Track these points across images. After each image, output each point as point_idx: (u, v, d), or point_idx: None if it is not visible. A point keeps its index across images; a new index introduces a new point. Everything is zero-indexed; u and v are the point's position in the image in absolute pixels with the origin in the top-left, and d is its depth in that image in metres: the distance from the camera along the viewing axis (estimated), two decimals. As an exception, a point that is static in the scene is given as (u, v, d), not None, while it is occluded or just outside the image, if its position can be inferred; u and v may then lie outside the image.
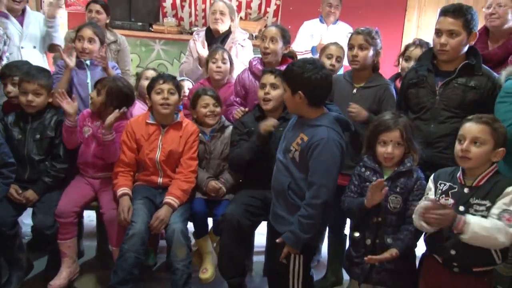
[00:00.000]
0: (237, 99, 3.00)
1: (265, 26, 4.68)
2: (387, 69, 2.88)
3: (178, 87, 2.68)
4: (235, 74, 3.19)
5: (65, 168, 2.70)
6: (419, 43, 2.95)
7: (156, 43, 5.22)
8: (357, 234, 2.21)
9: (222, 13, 3.48)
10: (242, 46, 3.58)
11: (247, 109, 2.85)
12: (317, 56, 3.57)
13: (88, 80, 3.00)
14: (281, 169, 2.21)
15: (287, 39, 2.98)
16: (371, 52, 2.59)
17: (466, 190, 1.92)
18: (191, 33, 4.88)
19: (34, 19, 3.50)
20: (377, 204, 2.07)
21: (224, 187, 2.69)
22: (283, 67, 2.87)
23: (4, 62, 3.03)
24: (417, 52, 2.87)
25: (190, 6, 5.50)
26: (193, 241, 2.65)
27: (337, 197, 2.19)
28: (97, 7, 3.48)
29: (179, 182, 2.61)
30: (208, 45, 3.42)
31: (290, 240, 2.11)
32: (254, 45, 3.87)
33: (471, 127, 1.93)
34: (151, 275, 2.92)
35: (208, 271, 2.67)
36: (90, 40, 2.98)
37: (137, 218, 2.47)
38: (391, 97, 2.60)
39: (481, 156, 1.90)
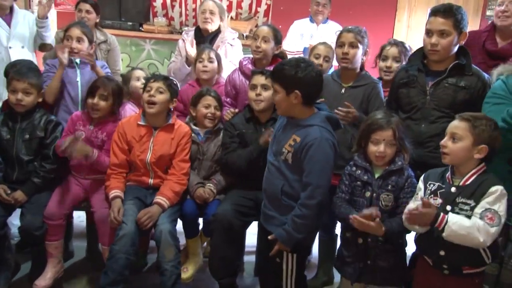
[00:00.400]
0: (228, 99, 2.99)
1: (256, 26, 4.68)
2: (372, 72, 2.89)
3: (170, 87, 2.65)
4: (224, 74, 3.18)
5: (55, 169, 2.67)
6: (394, 42, 2.99)
7: (146, 42, 5.20)
8: (348, 234, 2.21)
9: (212, 13, 3.47)
10: (231, 45, 3.56)
11: (237, 110, 2.84)
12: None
13: (78, 79, 2.96)
14: (273, 172, 2.19)
15: (278, 39, 2.98)
16: (360, 51, 2.60)
17: (453, 189, 1.93)
18: (182, 33, 4.87)
19: (22, 18, 3.46)
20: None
21: (216, 189, 2.68)
22: (273, 67, 2.88)
23: None
24: (393, 50, 2.91)
25: (180, 6, 5.48)
26: (182, 241, 2.63)
27: (329, 197, 2.19)
28: (87, 6, 3.44)
29: (171, 183, 2.60)
30: (197, 45, 3.41)
31: (283, 238, 2.11)
32: (245, 45, 3.86)
33: (452, 124, 1.97)
34: (141, 276, 2.90)
35: (188, 271, 2.65)
36: (79, 40, 2.94)
37: (127, 219, 2.45)
38: (379, 96, 2.61)
39: (458, 151, 1.92)
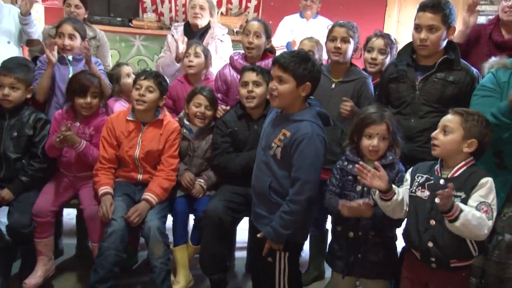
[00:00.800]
0: (218, 95, 2.98)
1: (246, 21, 4.66)
2: (357, 63, 2.89)
3: (160, 85, 2.63)
4: (214, 70, 3.16)
5: (44, 168, 2.65)
6: (380, 34, 2.97)
7: (136, 38, 5.15)
8: (339, 228, 2.22)
9: (202, 8, 3.44)
10: (221, 41, 3.54)
11: (228, 107, 2.82)
12: None
13: (70, 76, 2.93)
14: (261, 168, 2.17)
15: (269, 34, 2.98)
16: (352, 46, 2.60)
17: (441, 181, 1.94)
18: (171, 28, 4.84)
19: (8, 13, 3.40)
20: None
21: (206, 185, 2.67)
22: (264, 62, 2.87)
23: None
24: (379, 42, 2.90)
25: (170, 1, 5.44)
26: (170, 238, 2.62)
27: (319, 192, 2.18)
28: (76, 1, 3.38)
29: (160, 179, 2.59)
30: (188, 41, 3.38)
31: (271, 235, 2.09)
32: (235, 41, 3.85)
33: (445, 117, 1.99)
34: (132, 273, 2.89)
35: (179, 283, 2.60)
36: (71, 37, 2.89)
37: (116, 216, 2.44)
38: (369, 91, 2.61)
39: (447, 144, 1.93)
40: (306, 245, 2.93)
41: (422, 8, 2.35)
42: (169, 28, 5.06)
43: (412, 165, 2.12)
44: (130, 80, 2.97)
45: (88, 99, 2.63)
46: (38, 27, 3.49)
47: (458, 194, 1.89)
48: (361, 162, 2.03)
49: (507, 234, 2.08)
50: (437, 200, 1.77)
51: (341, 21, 2.66)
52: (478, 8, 3.09)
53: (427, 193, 1.95)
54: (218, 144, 2.64)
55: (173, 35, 3.56)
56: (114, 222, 2.42)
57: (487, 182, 1.87)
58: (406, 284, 2.11)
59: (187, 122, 2.76)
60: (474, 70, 2.40)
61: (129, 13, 5.22)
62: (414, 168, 2.08)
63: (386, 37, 2.94)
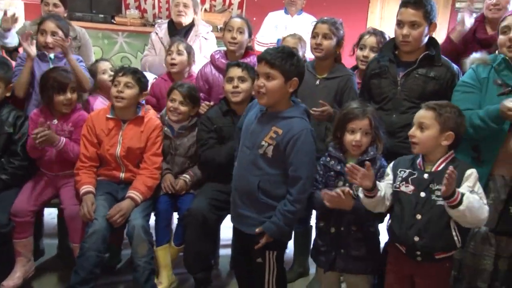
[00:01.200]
0: (201, 94, 2.95)
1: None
2: (347, 60, 2.90)
3: (139, 81, 2.59)
4: (198, 68, 3.12)
5: (24, 166, 2.61)
6: (373, 31, 2.96)
7: (119, 35, 5.10)
8: (322, 223, 2.22)
9: (185, 6, 3.41)
10: (205, 39, 3.52)
11: (212, 103, 2.80)
12: None
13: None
14: (247, 167, 2.12)
15: (250, 31, 2.97)
16: (334, 42, 2.60)
17: (426, 175, 1.95)
18: (155, 26, 4.79)
19: None
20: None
21: (191, 181, 2.66)
22: (246, 60, 2.86)
23: None
24: (372, 40, 2.89)
25: (153, -2, 5.41)
26: (155, 237, 2.60)
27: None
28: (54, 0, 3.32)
29: (144, 177, 2.57)
30: (171, 38, 3.35)
31: (272, 231, 2.07)
32: (219, 37, 3.82)
33: (419, 113, 2.00)
34: (114, 272, 2.86)
35: (162, 284, 2.57)
36: (53, 34, 2.82)
37: (98, 215, 2.41)
38: (352, 88, 2.62)
39: (426, 140, 1.95)
40: (290, 242, 2.94)
41: (404, 4, 2.36)
42: (152, 25, 5.03)
43: (393, 160, 2.12)
44: (106, 77, 2.94)
45: (69, 95, 2.59)
46: (16, 38, 3.36)
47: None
48: (352, 163, 2.02)
49: (483, 226, 2.11)
50: (443, 185, 1.76)
51: (324, 18, 2.66)
52: (457, 5, 3.12)
53: (411, 187, 1.96)
54: (204, 140, 2.62)
55: (157, 33, 3.53)
56: (95, 221, 2.39)
57: (472, 173, 1.90)
58: (390, 278, 2.12)
59: (168, 120, 2.73)
60: (455, 66, 2.42)
61: (112, 10, 5.17)
62: (395, 162, 2.09)
63: (379, 34, 2.91)
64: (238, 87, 2.55)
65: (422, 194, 1.92)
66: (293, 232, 2.38)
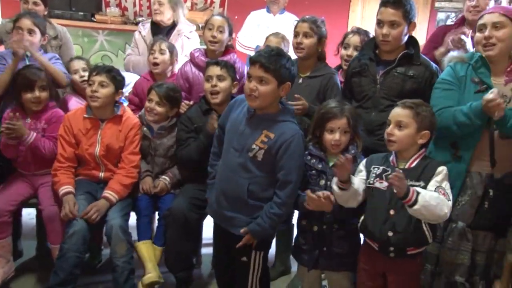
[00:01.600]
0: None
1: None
2: (332, 59, 2.91)
3: (114, 79, 2.56)
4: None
5: (0, 166, 2.57)
6: (357, 30, 2.97)
7: (99, 33, 5.05)
8: (304, 222, 2.23)
9: (160, 3, 3.38)
10: (188, 38, 3.50)
11: (192, 102, 2.78)
12: None
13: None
14: (235, 170, 2.08)
15: (231, 30, 2.95)
16: (315, 41, 2.60)
17: (400, 171, 1.96)
18: (136, 24, 4.76)
19: None
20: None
21: (171, 183, 2.64)
22: (226, 58, 2.84)
23: None
24: (355, 39, 2.90)
25: (134, -5, 5.36)
26: (134, 236, 2.57)
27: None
28: None
29: (120, 176, 2.55)
30: (153, 37, 3.32)
31: (256, 233, 2.07)
32: (200, 36, 3.80)
33: (395, 112, 2.02)
34: (94, 272, 2.83)
35: (151, 274, 2.48)
36: (30, 32, 2.77)
37: (77, 215, 2.37)
38: (335, 86, 2.62)
39: (404, 138, 1.98)
40: (272, 241, 2.94)
41: (384, 3, 2.38)
42: (133, 23, 4.99)
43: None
44: (77, 77, 2.90)
45: (36, 93, 2.56)
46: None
47: (417, 183, 1.94)
48: (347, 155, 2.02)
49: (460, 222, 2.15)
50: (393, 187, 1.82)
51: (305, 17, 2.66)
52: (437, 4, 3.16)
53: (385, 184, 1.99)
54: (183, 140, 2.60)
55: (140, 32, 3.50)
56: (75, 222, 2.36)
57: (443, 170, 1.95)
58: (362, 276, 2.13)
59: (147, 120, 2.70)
60: (434, 65, 2.45)
61: (92, 8, 5.12)
62: (368, 159, 2.12)
63: (363, 33, 2.92)
64: (216, 86, 2.52)
65: (393, 186, 1.94)
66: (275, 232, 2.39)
